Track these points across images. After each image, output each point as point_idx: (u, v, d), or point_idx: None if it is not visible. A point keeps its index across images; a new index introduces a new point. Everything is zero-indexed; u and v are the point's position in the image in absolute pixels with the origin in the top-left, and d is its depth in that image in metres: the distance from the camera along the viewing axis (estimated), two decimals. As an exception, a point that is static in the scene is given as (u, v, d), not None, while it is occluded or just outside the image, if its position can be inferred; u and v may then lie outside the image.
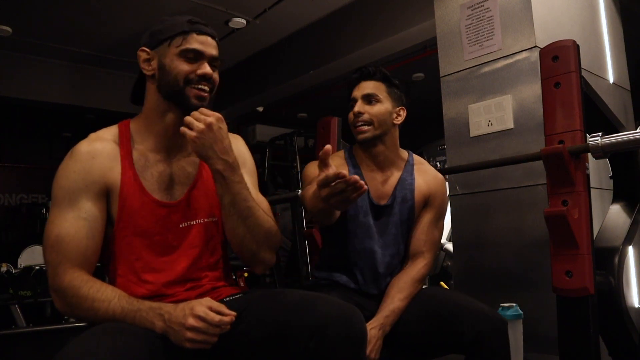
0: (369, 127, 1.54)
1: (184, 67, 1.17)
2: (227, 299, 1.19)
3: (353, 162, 1.62)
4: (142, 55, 1.21)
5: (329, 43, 4.08)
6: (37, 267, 3.42)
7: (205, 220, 1.22)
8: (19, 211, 7.11)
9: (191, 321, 0.97)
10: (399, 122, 1.60)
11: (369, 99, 1.55)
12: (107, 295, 1.05)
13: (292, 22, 4.08)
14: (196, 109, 1.15)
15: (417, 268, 1.53)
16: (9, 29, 4.01)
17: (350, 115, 1.57)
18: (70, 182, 1.12)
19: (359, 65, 1.63)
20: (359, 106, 1.55)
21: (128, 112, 1.31)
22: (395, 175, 1.60)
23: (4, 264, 3.54)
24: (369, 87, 1.56)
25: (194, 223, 1.21)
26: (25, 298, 3.15)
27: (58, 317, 3.82)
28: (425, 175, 1.61)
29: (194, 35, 1.18)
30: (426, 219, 1.59)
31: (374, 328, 1.37)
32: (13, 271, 3.48)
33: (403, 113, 1.60)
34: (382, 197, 1.58)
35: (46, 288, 3.26)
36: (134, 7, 3.73)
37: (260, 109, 5.80)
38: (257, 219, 1.17)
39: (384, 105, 1.55)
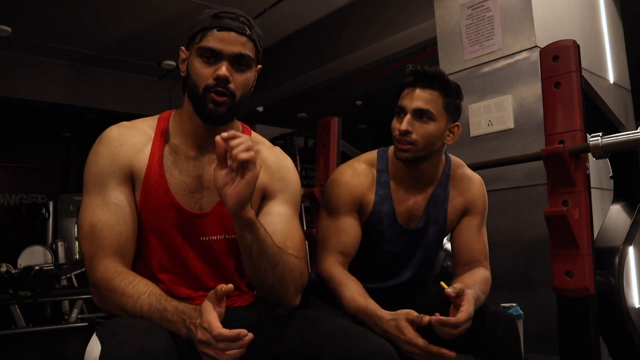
0: (412, 146, 1.28)
1: (202, 70, 1.04)
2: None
3: (383, 179, 1.39)
4: (181, 55, 1.10)
5: (329, 43, 4.08)
6: (37, 267, 3.42)
7: (227, 236, 1.12)
8: (19, 211, 7.13)
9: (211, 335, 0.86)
10: (449, 143, 1.34)
11: (421, 114, 1.28)
12: (137, 290, 0.98)
13: (292, 22, 4.09)
14: (212, 116, 1.06)
15: (480, 273, 1.36)
16: (9, 29, 4.02)
17: (395, 126, 1.32)
18: (100, 167, 1.06)
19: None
20: (407, 122, 1.28)
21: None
22: (427, 192, 1.39)
23: (3, 264, 3.55)
24: (423, 99, 1.28)
25: (216, 238, 1.11)
26: (25, 298, 3.15)
27: (58, 317, 3.83)
28: (461, 185, 1.43)
29: (214, 31, 1.02)
30: (472, 227, 1.42)
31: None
32: (13, 271, 3.48)
33: (457, 131, 1.34)
34: (412, 219, 1.40)
35: (46, 288, 3.27)
36: (134, 7, 3.74)
37: (260, 109, 5.80)
38: (286, 265, 1.04)
39: (438, 124, 1.29)
